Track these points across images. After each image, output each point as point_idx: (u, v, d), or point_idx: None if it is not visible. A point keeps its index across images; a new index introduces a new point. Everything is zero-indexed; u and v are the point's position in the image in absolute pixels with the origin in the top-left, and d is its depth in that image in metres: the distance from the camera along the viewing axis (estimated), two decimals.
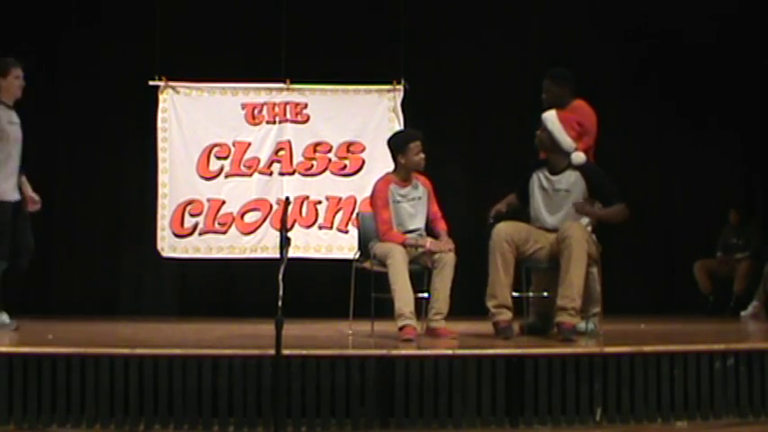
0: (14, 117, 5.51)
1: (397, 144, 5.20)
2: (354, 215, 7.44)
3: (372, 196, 5.17)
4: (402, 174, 5.16)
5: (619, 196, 4.77)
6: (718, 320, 7.07)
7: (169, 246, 7.68)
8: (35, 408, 3.79)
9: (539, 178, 4.83)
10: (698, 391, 3.96)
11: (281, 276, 3.29)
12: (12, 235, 5.38)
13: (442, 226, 5.22)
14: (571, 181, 4.75)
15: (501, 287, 4.64)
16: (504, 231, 4.67)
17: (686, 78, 8.31)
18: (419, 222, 5.15)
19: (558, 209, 4.81)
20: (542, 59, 7.16)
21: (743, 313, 7.45)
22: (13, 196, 5.44)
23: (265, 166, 7.63)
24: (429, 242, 5.01)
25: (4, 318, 5.40)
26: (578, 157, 4.73)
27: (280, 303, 3.27)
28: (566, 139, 4.74)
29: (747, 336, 5.48)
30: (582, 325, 4.77)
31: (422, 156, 5.12)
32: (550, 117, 4.80)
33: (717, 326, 6.24)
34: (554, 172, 4.79)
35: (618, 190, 4.83)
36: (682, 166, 8.64)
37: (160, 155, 7.74)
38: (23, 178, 5.62)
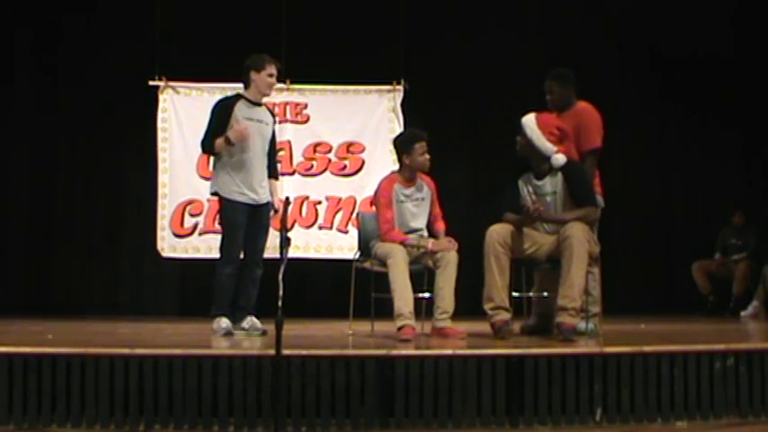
0: (258, 114, 5.18)
1: (402, 144, 5.17)
2: (354, 215, 7.45)
3: (376, 195, 5.15)
4: (407, 174, 5.14)
5: (592, 199, 4.75)
6: (718, 320, 7.08)
7: (169, 246, 7.70)
8: (35, 408, 3.78)
9: (525, 185, 4.81)
10: (698, 391, 3.95)
11: (281, 276, 3.29)
12: (244, 239, 5.09)
13: (440, 225, 5.21)
14: (555, 183, 4.73)
15: (497, 289, 4.63)
16: (497, 233, 4.64)
17: (687, 79, 8.32)
18: (421, 222, 5.15)
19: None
20: (542, 59, 7.17)
21: (743, 313, 7.46)
22: (247, 198, 5.10)
23: None
24: (431, 243, 5.00)
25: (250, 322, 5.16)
26: (558, 159, 4.70)
27: (280, 303, 3.26)
28: (545, 144, 4.69)
29: (747, 336, 5.47)
30: (582, 325, 4.76)
31: (427, 156, 5.10)
32: (529, 123, 4.74)
33: (717, 326, 6.24)
34: (538, 177, 4.78)
35: (592, 192, 4.81)
36: (682, 167, 8.65)
37: (160, 155, 7.75)
38: (273, 182, 5.31)
